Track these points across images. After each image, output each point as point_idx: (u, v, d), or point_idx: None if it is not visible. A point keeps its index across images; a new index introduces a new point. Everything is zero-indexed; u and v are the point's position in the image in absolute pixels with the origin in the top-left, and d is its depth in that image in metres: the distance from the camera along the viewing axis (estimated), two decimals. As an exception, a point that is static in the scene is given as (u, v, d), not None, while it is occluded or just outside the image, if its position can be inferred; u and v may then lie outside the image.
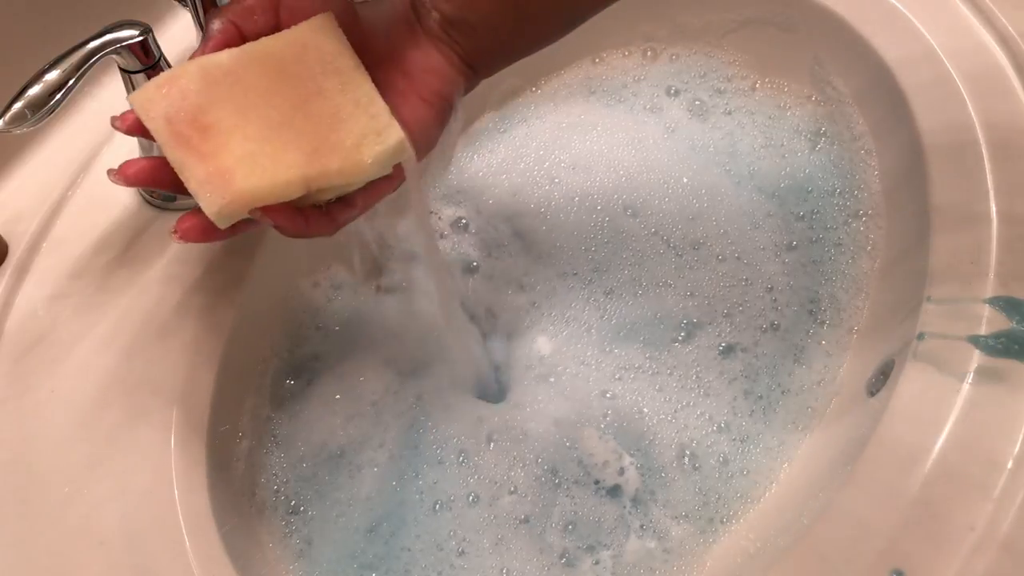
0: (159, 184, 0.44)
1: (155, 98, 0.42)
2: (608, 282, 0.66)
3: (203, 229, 0.44)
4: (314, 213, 0.46)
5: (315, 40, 0.44)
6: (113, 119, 0.44)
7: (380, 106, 0.44)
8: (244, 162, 0.42)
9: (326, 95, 0.44)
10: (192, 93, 0.43)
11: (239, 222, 0.44)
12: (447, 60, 0.48)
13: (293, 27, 0.45)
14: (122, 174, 0.44)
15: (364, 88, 0.44)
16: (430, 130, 0.48)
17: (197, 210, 0.43)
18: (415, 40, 0.48)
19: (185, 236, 0.44)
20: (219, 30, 0.44)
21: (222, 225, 0.43)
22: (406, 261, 0.68)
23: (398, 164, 0.46)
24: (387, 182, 0.47)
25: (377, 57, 0.47)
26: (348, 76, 0.44)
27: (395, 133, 0.44)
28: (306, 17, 0.45)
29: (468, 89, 0.50)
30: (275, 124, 0.43)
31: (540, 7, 0.49)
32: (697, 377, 0.61)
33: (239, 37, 0.45)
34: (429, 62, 0.48)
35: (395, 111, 0.45)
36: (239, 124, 0.43)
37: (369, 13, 0.48)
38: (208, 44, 0.44)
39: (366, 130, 0.44)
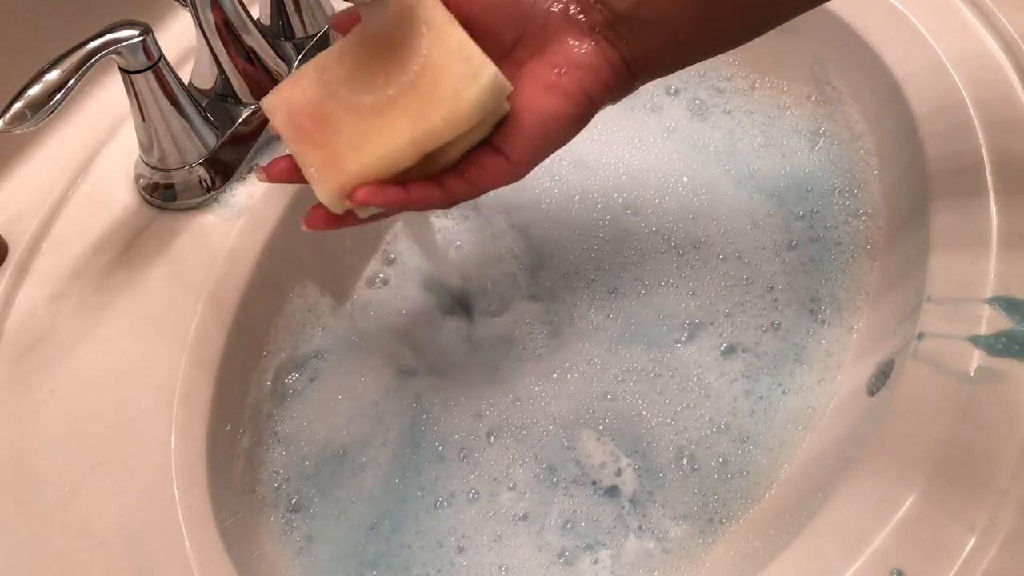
0: (298, 180, 0.45)
1: (278, 100, 0.44)
2: (611, 281, 0.66)
3: (326, 218, 0.45)
4: (451, 177, 0.45)
5: (411, 5, 0.44)
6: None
7: (472, 50, 0.43)
8: (354, 142, 0.43)
9: (424, 56, 0.43)
10: (310, 88, 0.44)
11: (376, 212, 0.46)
12: (605, 59, 0.45)
13: None
14: (267, 172, 0.46)
15: (456, 37, 0.43)
16: (565, 127, 0.45)
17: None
18: (574, 33, 0.45)
19: (311, 224, 0.45)
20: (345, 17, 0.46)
21: (336, 210, 0.43)
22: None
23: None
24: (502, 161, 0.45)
25: (529, 47, 0.46)
26: (440, 31, 0.43)
27: (488, 70, 0.42)
28: None
29: (621, 95, 0.47)
30: (382, 98, 0.43)
31: (731, 6, 0.45)
32: (698, 378, 0.61)
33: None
34: (584, 59, 0.45)
35: (534, 102, 0.44)
36: (350, 107, 0.44)
37: (527, 4, 0.46)
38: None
39: (462, 75, 0.42)
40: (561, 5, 0.46)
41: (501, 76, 0.42)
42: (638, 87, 0.47)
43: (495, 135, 0.45)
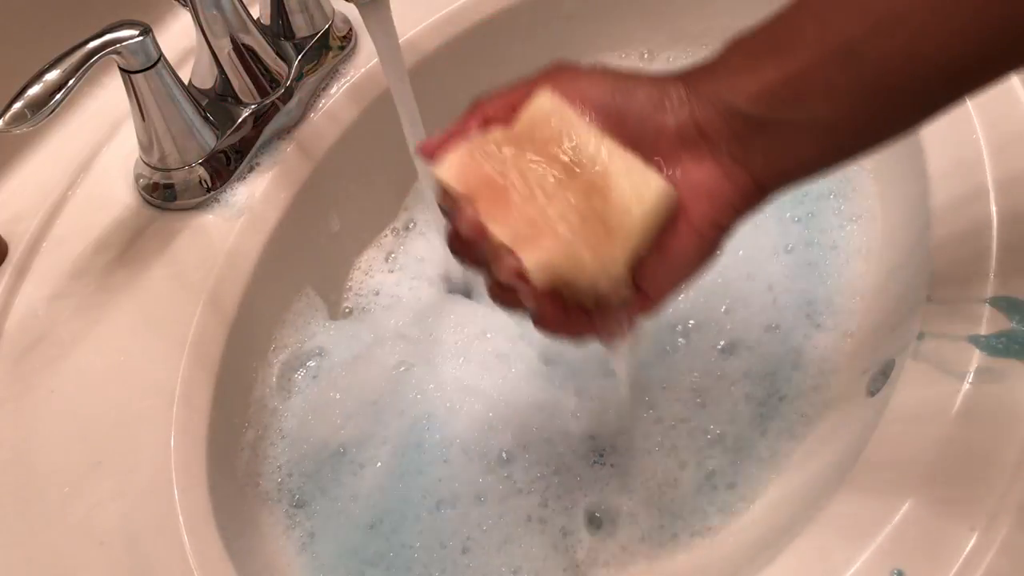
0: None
1: (453, 166, 0.40)
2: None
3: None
4: (576, 311, 0.40)
5: (552, 117, 0.39)
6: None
7: (632, 163, 0.38)
8: (544, 232, 0.38)
9: (583, 170, 0.39)
10: (485, 164, 0.39)
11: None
12: (731, 181, 0.38)
13: (529, 107, 0.40)
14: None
15: (610, 152, 0.39)
16: (692, 263, 0.39)
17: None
18: (691, 153, 0.38)
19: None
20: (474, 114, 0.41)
21: (539, 281, 0.38)
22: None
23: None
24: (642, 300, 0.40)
25: None
26: (590, 144, 0.39)
27: (654, 185, 0.38)
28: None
29: (752, 212, 0.39)
30: (555, 202, 0.39)
31: (912, 85, 0.35)
32: (693, 382, 0.61)
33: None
34: (707, 184, 0.38)
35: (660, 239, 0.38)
36: (528, 196, 0.39)
37: (634, 117, 0.39)
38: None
39: (629, 196, 0.38)
40: (672, 119, 0.38)
41: (669, 188, 0.38)
42: (771, 199, 0.40)
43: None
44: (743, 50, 0.38)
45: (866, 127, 0.37)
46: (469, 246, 0.39)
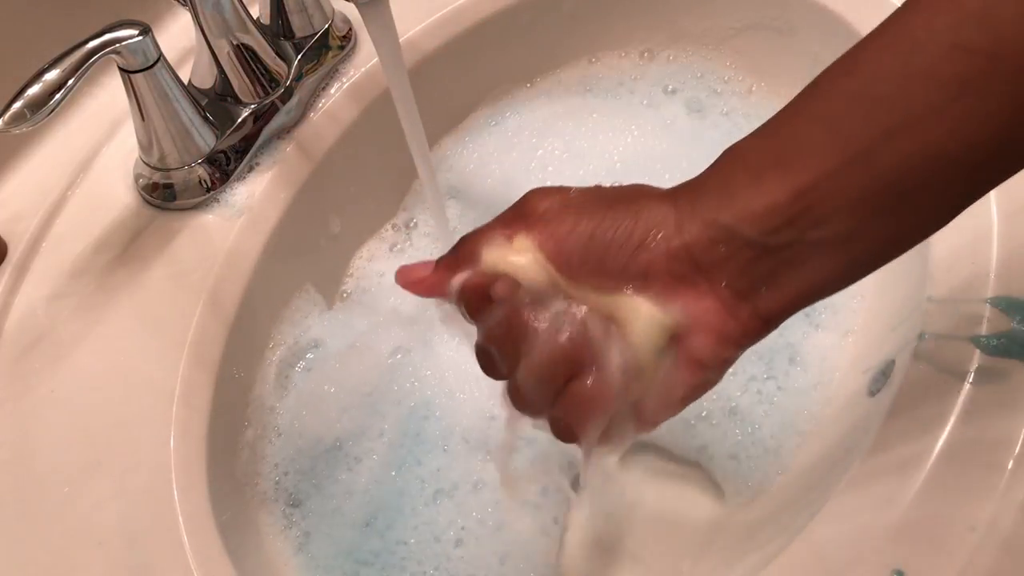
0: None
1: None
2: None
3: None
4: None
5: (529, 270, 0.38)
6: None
7: (621, 301, 0.36)
8: None
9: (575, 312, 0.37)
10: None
11: None
12: (734, 317, 0.35)
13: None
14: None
15: (596, 299, 0.37)
16: (690, 395, 0.37)
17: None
18: (688, 287, 0.35)
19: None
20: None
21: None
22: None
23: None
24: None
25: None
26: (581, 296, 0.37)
27: (647, 318, 0.36)
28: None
29: (754, 343, 0.36)
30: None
31: (930, 186, 0.32)
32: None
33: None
34: (707, 319, 0.35)
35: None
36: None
37: (614, 260, 0.36)
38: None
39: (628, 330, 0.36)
40: (663, 253, 0.35)
41: (660, 315, 0.36)
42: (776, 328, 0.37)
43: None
44: (741, 163, 0.35)
45: (885, 237, 0.34)
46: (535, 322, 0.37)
